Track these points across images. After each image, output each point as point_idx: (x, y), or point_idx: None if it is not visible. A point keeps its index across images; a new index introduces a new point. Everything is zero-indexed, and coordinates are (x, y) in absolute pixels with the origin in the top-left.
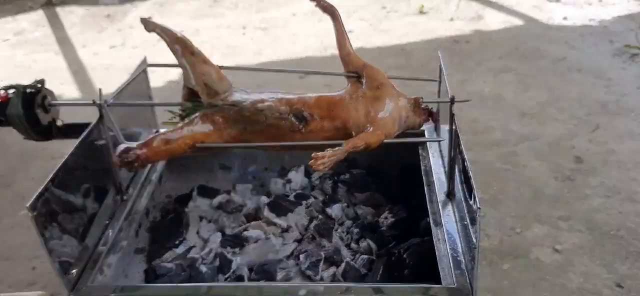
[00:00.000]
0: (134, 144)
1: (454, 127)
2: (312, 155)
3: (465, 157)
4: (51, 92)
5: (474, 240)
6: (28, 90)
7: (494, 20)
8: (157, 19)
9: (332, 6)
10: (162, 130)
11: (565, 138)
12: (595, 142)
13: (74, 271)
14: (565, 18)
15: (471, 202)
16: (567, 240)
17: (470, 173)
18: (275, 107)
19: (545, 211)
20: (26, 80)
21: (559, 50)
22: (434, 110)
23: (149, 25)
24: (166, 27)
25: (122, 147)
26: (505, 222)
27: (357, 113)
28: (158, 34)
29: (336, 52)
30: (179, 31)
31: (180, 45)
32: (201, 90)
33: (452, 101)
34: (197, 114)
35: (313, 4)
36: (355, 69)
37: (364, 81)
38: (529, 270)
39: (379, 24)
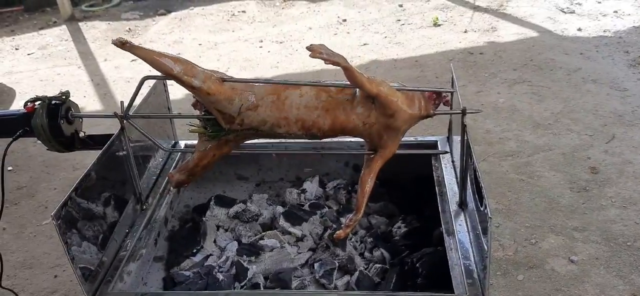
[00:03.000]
0: (184, 177)
1: (465, 138)
2: (335, 234)
3: (477, 167)
4: (75, 104)
5: (486, 249)
6: (53, 102)
7: (508, 32)
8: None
9: (341, 59)
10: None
11: (581, 149)
12: (610, 152)
13: (95, 278)
14: (579, 29)
15: (483, 211)
16: (582, 251)
17: (482, 183)
18: (293, 132)
19: (561, 222)
20: (50, 92)
21: (573, 61)
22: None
23: (125, 46)
24: (152, 53)
25: (175, 183)
26: (520, 233)
27: (371, 136)
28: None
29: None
30: (169, 61)
31: (177, 81)
32: (217, 118)
33: (464, 112)
34: (221, 137)
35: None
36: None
37: (376, 104)
38: (543, 281)
39: (393, 37)
